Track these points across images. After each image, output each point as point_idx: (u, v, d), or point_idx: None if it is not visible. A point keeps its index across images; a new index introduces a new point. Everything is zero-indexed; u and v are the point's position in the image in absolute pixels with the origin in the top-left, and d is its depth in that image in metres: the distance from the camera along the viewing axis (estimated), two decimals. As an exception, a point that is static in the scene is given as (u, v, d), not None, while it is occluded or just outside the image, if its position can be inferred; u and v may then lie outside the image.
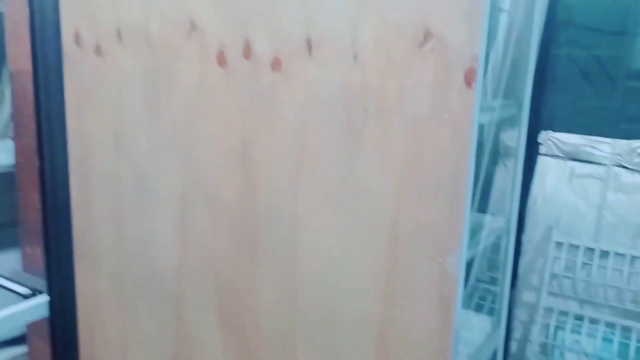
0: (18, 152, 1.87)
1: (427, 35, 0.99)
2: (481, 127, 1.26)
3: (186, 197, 1.37)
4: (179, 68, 1.31)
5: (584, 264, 1.73)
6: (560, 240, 1.77)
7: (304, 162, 1.17)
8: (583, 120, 1.80)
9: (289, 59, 1.15)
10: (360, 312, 1.16)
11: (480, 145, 1.28)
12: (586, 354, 1.69)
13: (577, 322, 1.74)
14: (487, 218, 1.43)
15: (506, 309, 1.60)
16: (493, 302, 1.71)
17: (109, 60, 1.43)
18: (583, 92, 1.79)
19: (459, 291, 1.03)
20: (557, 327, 1.74)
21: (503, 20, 1.45)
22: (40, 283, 1.63)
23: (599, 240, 1.73)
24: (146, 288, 1.51)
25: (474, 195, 1.24)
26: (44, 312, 1.60)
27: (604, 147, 1.74)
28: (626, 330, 1.69)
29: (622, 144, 1.71)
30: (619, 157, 1.71)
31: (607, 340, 1.68)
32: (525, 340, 1.84)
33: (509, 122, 1.52)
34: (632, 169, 1.70)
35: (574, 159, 1.78)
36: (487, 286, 1.77)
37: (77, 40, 1.48)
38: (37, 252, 1.88)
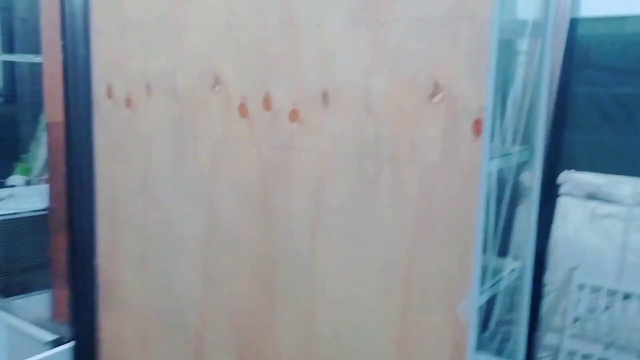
0: (51, 197, 1.96)
1: (436, 88, 1.04)
2: (500, 172, 1.28)
3: (209, 241, 1.42)
4: (204, 119, 1.38)
5: (606, 306, 1.72)
6: (582, 282, 1.75)
7: (320, 208, 1.22)
8: (604, 159, 1.80)
9: (306, 110, 1.21)
10: (375, 357, 1.18)
11: (499, 190, 1.30)
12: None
13: (602, 365, 1.71)
14: (508, 261, 1.44)
15: (523, 351, 1.58)
16: (515, 344, 1.69)
17: (138, 111, 1.52)
18: (603, 131, 1.80)
19: (471, 337, 1.04)
20: (581, 371, 1.71)
21: (521, 63, 1.48)
22: (66, 329, 1.68)
23: (622, 282, 1.72)
24: (169, 330, 1.55)
25: (494, 239, 1.26)
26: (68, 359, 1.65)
27: (624, 186, 1.73)
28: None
29: (642, 183, 1.71)
30: (640, 197, 1.71)
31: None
32: (549, 383, 1.81)
33: (529, 165, 1.54)
34: (653, 210, 1.70)
35: (595, 199, 1.78)
36: (511, 328, 1.75)
37: (109, 93, 1.57)
38: (65, 296, 1.94)
